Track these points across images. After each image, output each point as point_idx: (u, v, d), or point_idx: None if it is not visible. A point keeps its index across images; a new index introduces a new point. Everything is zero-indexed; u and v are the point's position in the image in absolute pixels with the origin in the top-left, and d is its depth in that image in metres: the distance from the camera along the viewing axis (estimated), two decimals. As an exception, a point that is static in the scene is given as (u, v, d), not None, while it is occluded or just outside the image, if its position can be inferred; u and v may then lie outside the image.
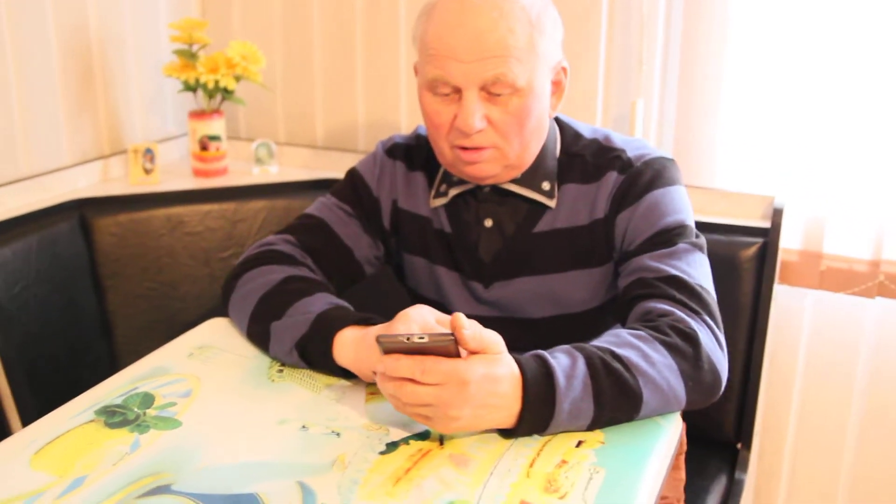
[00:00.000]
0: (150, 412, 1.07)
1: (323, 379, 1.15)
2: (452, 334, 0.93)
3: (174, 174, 2.02)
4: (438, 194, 1.31)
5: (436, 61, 1.15)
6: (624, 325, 1.16)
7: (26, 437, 1.02)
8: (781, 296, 1.76)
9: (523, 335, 1.31)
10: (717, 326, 1.13)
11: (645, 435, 1.02)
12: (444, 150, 1.21)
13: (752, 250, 1.63)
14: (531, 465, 0.95)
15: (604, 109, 1.84)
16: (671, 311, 1.10)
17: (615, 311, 1.23)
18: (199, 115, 1.95)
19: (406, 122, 2.03)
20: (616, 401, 1.00)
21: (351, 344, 1.10)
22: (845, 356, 1.76)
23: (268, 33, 2.12)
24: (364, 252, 1.36)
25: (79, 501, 0.91)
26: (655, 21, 1.74)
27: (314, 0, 2.04)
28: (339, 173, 1.79)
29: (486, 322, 1.30)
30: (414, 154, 1.36)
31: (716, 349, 1.09)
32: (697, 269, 1.18)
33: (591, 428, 1.01)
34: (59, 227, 1.77)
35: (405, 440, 1.01)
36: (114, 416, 1.06)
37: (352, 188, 1.37)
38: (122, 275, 1.84)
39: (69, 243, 1.78)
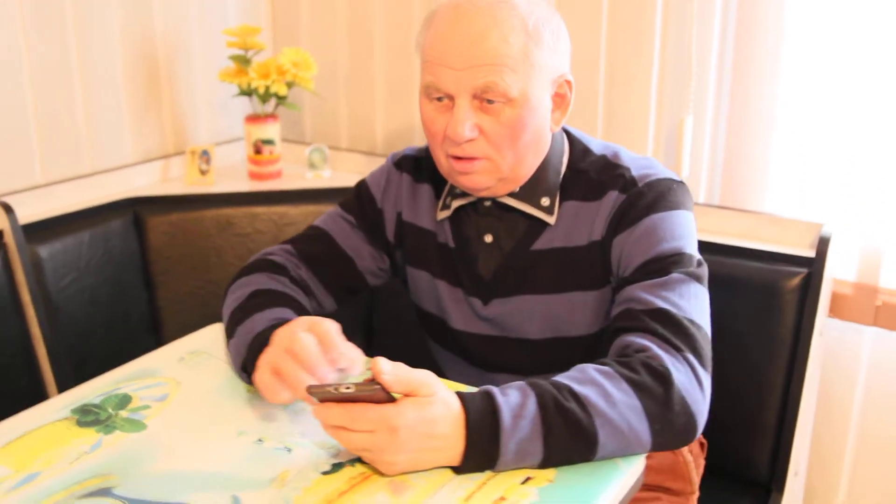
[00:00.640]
0: (122, 413, 1.10)
1: (296, 392, 1.15)
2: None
3: (231, 176, 2.07)
4: (444, 206, 1.30)
5: (430, 68, 1.15)
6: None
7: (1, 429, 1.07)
8: (833, 330, 1.64)
9: (522, 356, 1.28)
10: (702, 364, 1.06)
11: (599, 476, 0.97)
12: (441, 159, 1.20)
13: (795, 280, 1.52)
14: (468, 499, 0.92)
15: (656, 126, 1.78)
16: (648, 346, 1.05)
17: (605, 340, 1.18)
18: (253, 119, 1.99)
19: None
20: (568, 442, 0.96)
21: None
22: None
23: (332, 39, 2.15)
24: (366, 263, 1.35)
25: (25, 496, 0.94)
26: (710, 39, 1.66)
27: (377, 7, 2.06)
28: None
29: (485, 340, 1.29)
30: (422, 166, 1.35)
31: (692, 389, 1.03)
32: (689, 302, 1.11)
33: (543, 467, 0.97)
34: (112, 223, 1.84)
35: (352, 462, 0.99)
36: (87, 415, 1.10)
37: (357, 199, 1.37)
38: (172, 272, 1.91)
39: (121, 240, 1.85)
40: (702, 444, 1.45)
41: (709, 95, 1.70)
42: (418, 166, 1.35)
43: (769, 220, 1.63)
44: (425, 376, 0.95)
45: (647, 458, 1.33)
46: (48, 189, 1.82)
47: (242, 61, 1.92)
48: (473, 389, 1.00)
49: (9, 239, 1.66)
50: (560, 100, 1.20)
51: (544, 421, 0.95)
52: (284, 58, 1.89)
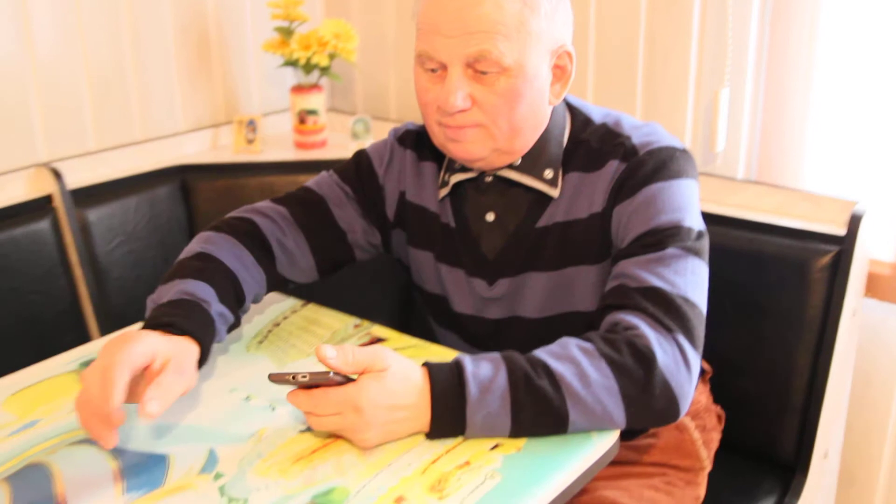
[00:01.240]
0: (127, 368, 1.15)
1: (293, 354, 1.19)
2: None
3: (278, 145, 2.12)
4: (444, 183, 1.27)
5: (422, 35, 1.13)
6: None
7: (12, 380, 1.14)
8: (872, 311, 1.58)
9: (529, 335, 1.24)
10: (692, 344, 1.04)
11: (569, 447, 0.97)
12: (434, 129, 1.17)
13: (826, 258, 1.47)
14: (434, 462, 0.94)
15: (695, 98, 1.73)
16: (637, 325, 1.03)
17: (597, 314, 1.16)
18: (298, 89, 2.03)
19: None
20: (537, 419, 0.96)
21: None
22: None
23: (381, 10, 2.16)
24: (357, 237, 1.32)
25: (22, 441, 1.00)
26: (748, 12, 1.61)
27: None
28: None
29: (491, 322, 1.28)
30: (426, 143, 1.31)
31: (677, 372, 1.01)
32: (684, 278, 1.08)
33: (514, 437, 0.98)
34: (159, 189, 1.92)
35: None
36: (94, 369, 1.15)
37: (356, 170, 1.33)
38: (217, 237, 1.97)
39: (168, 205, 1.92)
40: (719, 417, 1.41)
41: (747, 68, 1.64)
42: (420, 142, 1.32)
43: (802, 197, 1.58)
44: (375, 350, 0.96)
45: (653, 436, 1.33)
46: (100, 155, 1.90)
47: (286, 32, 1.96)
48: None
49: (58, 203, 1.74)
50: (560, 72, 1.17)
51: (513, 397, 0.96)
52: (325, 29, 1.92)
